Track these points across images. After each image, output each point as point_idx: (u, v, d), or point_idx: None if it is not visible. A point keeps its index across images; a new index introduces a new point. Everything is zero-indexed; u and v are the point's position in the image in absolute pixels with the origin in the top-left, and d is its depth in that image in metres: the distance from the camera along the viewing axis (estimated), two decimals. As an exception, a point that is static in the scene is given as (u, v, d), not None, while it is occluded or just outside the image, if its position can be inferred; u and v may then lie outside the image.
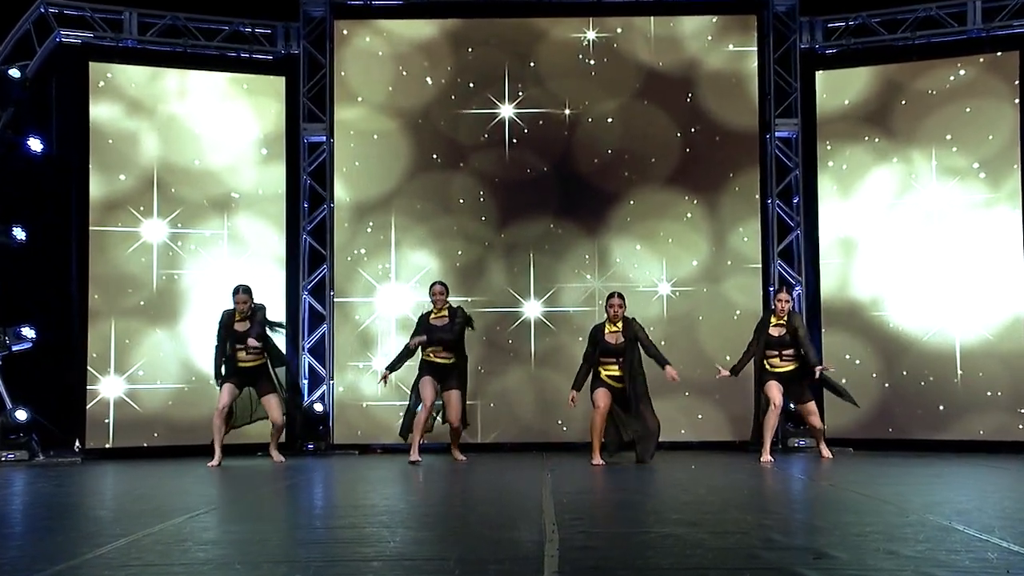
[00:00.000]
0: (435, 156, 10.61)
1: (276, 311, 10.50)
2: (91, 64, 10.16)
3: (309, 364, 10.61)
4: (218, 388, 9.19)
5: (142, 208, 10.14)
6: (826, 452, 9.18)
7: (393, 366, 9.22)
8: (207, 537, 4.62)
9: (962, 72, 10.14)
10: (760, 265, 10.52)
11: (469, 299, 10.31)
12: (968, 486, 6.91)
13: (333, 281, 10.57)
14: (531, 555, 4.12)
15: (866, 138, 10.39)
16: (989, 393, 9.83)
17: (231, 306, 9.16)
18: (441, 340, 8.98)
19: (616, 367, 8.72)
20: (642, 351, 8.73)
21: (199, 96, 10.46)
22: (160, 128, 10.30)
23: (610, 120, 10.57)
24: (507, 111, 10.60)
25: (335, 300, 10.55)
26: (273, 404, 9.20)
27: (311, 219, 10.77)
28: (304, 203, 10.76)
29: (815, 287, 10.55)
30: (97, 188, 10.07)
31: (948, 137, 10.12)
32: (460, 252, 10.56)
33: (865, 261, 10.36)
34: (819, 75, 10.60)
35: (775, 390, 8.85)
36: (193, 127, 10.40)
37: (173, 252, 10.19)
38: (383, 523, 5.23)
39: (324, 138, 10.73)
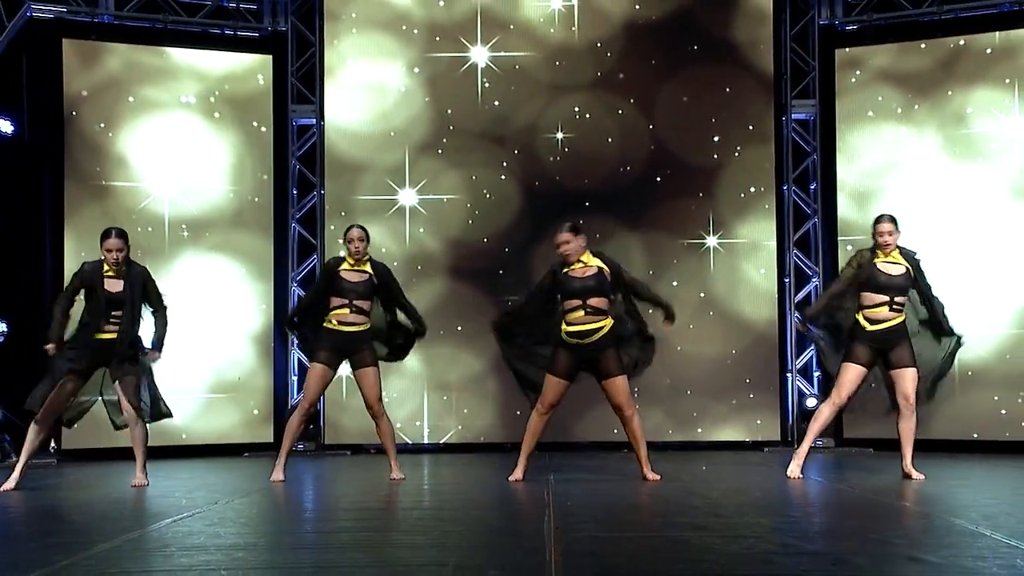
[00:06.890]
0: (449, 119, 10.56)
1: (262, 303, 10.52)
2: (65, 41, 10.13)
3: (298, 359, 10.61)
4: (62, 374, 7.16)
5: (124, 197, 10.15)
6: (912, 471, 6.97)
7: (298, 330, 7.67)
8: (191, 543, 4.62)
9: (988, 52, 10.08)
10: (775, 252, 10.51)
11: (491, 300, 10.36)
12: (995, 488, 6.92)
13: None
14: (533, 561, 4.13)
15: (889, 121, 10.33)
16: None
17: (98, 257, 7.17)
18: (357, 299, 7.28)
19: (581, 312, 6.73)
20: (630, 295, 6.87)
21: (179, 76, 10.43)
22: (137, 110, 10.28)
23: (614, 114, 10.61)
24: (480, 54, 10.53)
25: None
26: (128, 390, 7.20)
27: (300, 207, 10.80)
28: (293, 190, 10.77)
29: (833, 279, 10.50)
30: (72, 173, 10.06)
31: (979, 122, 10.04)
32: (485, 240, 10.54)
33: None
34: (839, 53, 10.56)
35: (853, 374, 6.94)
36: (173, 110, 10.39)
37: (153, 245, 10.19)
38: (376, 527, 5.24)
39: (314, 120, 10.74)
